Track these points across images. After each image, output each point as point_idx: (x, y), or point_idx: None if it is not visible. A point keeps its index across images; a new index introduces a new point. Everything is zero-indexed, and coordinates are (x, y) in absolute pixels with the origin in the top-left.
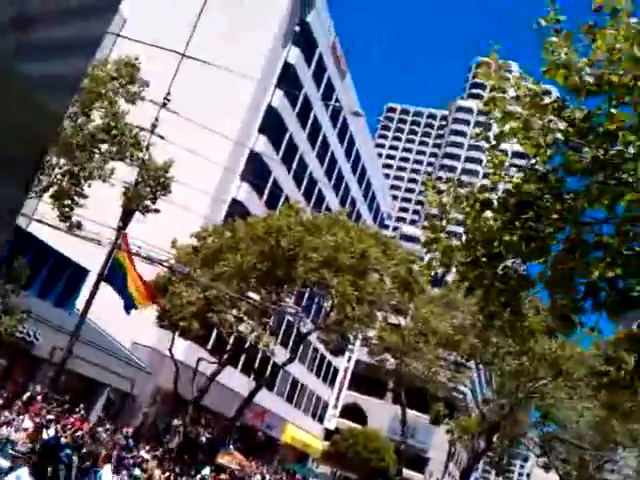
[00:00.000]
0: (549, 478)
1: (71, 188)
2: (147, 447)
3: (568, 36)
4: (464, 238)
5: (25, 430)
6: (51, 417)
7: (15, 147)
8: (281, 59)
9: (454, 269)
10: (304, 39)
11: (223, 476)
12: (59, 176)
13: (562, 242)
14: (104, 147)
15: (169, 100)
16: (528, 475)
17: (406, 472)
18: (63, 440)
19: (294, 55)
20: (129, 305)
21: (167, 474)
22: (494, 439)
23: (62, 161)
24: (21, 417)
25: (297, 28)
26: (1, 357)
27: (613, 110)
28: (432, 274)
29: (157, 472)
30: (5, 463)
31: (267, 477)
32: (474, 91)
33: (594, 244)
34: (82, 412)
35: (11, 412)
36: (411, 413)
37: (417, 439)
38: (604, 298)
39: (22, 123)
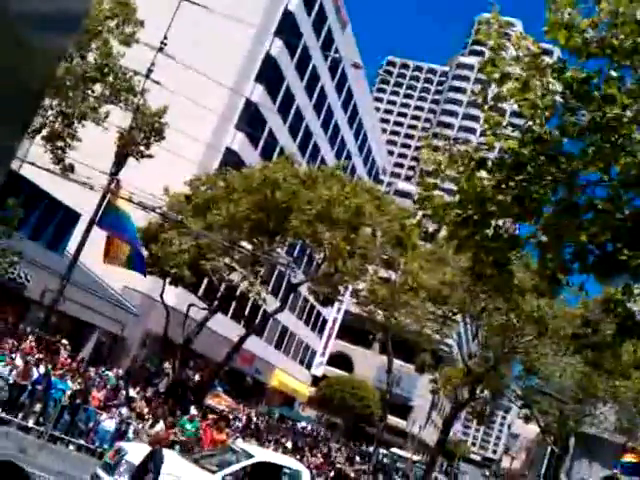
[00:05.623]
0: (529, 429)
1: (64, 130)
2: (137, 388)
3: None
4: (457, 197)
5: (16, 368)
6: (41, 356)
7: (10, 90)
8: (281, 6)
9: (445, 227)
10: None
11: (211, 416)
12: (51, 117)
13: (554, 204)
14: (97, 89)
15: (165, 44)
16: (509, 426)
17: (390, 418)
18: (53, 378)
19: (294, 3)
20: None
21: (155, 411)
22: (477, 390)
23: (54, 102)
24: (12, 355)
25: None
26: None
27: (613, 73)
28: (423, 231)
29: (145, 410)
30: None
31: (254, 419)
32: (476, 47)
33: (586, 207)
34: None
35: (3, 350)
36: (397, 362)
37: (402, 388)
38: (592, 261)
39: (17, 66)
